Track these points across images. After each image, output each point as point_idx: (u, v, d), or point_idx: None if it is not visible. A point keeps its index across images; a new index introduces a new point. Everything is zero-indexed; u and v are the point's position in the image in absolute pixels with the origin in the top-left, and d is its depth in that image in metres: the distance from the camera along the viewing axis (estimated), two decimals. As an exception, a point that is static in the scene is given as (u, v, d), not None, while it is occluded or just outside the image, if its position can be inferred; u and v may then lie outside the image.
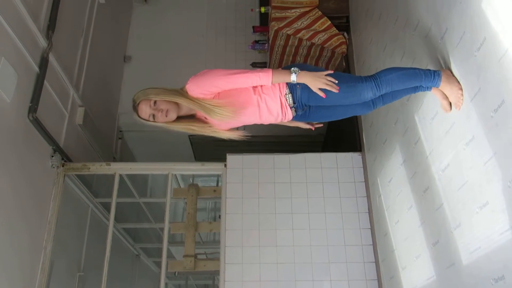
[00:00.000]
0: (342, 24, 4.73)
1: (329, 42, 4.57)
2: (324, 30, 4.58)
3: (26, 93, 3.38)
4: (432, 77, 2.32)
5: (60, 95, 3.91)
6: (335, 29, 4.60)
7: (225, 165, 4.19)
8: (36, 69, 3.49)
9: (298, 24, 4.55)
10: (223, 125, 2.40)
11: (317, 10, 4.65)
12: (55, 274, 3.84)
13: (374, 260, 3.86)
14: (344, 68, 4.77)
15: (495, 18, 1.90)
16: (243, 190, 4.11)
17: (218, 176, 6.04)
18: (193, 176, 6.59)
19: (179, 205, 6.86)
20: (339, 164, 4.22)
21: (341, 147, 4.79)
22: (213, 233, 6.45)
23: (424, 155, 2.79)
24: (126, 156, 5.94)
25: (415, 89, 2.48)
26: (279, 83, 2.33)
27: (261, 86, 2.34)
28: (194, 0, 6.41)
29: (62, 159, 3.95)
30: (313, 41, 4.55)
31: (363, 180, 4.12)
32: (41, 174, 3.68)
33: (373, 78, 2.31)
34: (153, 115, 2.26)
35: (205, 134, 2.43)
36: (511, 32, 1.79)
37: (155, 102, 2.25)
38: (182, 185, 6.82)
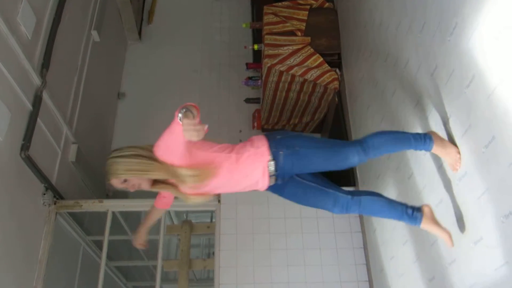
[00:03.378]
0: (334, 60, 4.81)
1: (321, 78, 4.63)
2: (316, 67, 4.64)
3: (19, 131, 3.38)
4: (423, 141, 2.29)
5: (53, 132, 3.91)
6: (327, 65, 4.67)
7: (219, 201, 4.17)
8: (30, 107, 3.49)
9: (290, 61, 4.62)
10: (195, 190, 2.28)
11: (309, 47, 4.74)
12: (45, 315, 3.75)
13: (370, 297, 3.81)
14: (336, 104, 4.82)
15: (483, 56, 1.94)
16: (237, 226, 4.07)
17: (212, 212, 6.00)
18: (187, 212, 6.53)
19: (172, 242, 6.77)
20: (333, 199, 4.20)
21: (335, 182, 4.78)
22: (207, 270, 6.36)
23: (417, 190, 2.80)
24: (120, 192, 5.90)
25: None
26: (259, 150, 2.26)
27: (237, 153, 2.26)
28: (188, 38, 6.52)
29: (54, 196, 3.92)
30: (305, 77, 4.61)
31: (357, 215, 4.10)
32: (32, 212, 3.64)
33: (359, 142, 2.29)
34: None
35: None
36: (499, 70, 1.82)
37: (125, 179, 2.16)
38: (175, 222, 6.75)
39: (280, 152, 2.25)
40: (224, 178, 2.26)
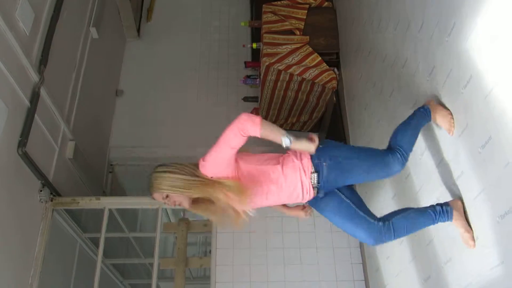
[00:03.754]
0: (333, 60, 4.82)
1: (319, 78, 4.63)
2: (314, 66, 4.65)
3: (16, 127, 3.37)
4: (428, 114, 2.33)
5: (50, 129, 3.90)
6: (325, 64, 4.67)
7: (216, 200, 4.16)
8: (27, 103, 3.48)
9: (289, 60, 4.62)
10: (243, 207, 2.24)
11: (308, 46, 4.74)
12: (41, 311, 3.74)
13: (366, 296, 3.82)
14: (334, 103, 4.83)
15: (480, 57, 1.94)
16: (234, 224, 4.07)
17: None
18: (184, 210, 6.53)
19: (169, 240, 6.77)
20: (330, 199, 4.21)
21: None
22: (203, 268, 6.36)
23: (414, 190, 2.80)
24: (117, 189, 5.90)
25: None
26: (303, 161, 2.22)
27: (282, 165, 2.23)
28: (187, 36, 6.51)
29: (51, 193, 3.90)
30: (304, 76, 4.61)
31: (354, 214, 4.10)
32: (29, 209, 3.63)
33: (396, 150, 2.23)
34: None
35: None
36: (496, 71, 1.83)
37: (167, 195, 2.17)
38: (172, 219, 6.75)
39: (324, 164, 2.21)
40: (271, 191, 2.24)
